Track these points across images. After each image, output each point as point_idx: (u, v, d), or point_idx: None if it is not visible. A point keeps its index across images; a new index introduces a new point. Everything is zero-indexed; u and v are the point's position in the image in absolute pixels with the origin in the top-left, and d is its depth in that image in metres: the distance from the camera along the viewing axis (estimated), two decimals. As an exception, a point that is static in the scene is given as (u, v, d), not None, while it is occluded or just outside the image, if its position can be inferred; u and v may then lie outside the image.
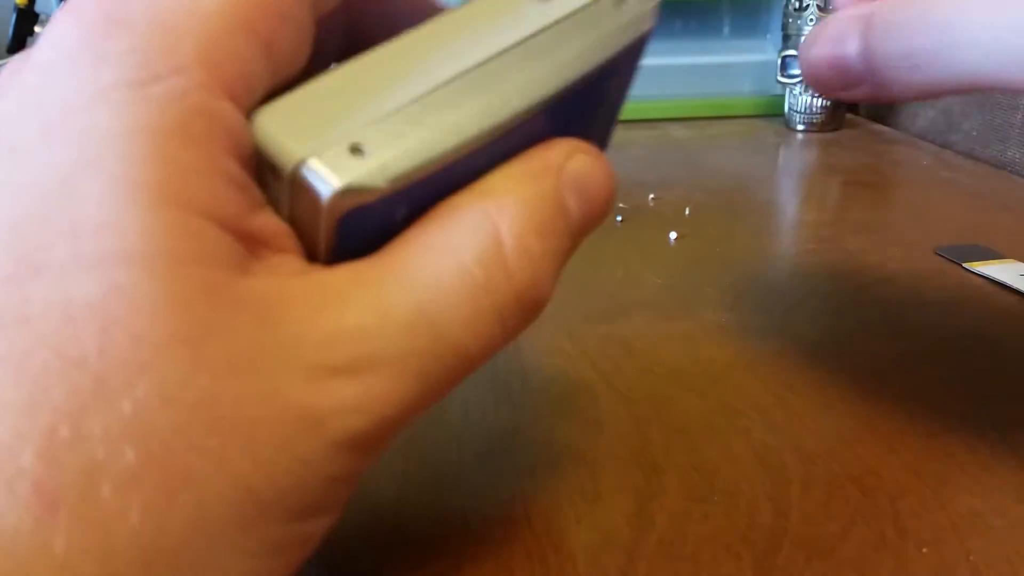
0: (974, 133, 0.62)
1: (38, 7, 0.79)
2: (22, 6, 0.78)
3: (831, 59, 0.20)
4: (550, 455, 0.23)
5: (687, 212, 0.45)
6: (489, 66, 0.15)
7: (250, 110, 0.13)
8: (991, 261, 0.37)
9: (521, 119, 0.15)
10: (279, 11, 0.14)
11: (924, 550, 0.19)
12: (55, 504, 0.11)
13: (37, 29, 0.80)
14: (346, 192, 0.13)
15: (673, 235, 0.41)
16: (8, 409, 0.11)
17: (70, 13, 0.13)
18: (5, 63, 0.13)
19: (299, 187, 0.13)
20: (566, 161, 0.16)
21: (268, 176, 0.14)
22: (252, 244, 0.13)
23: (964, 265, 0.36)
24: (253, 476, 0.12)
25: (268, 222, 0.13)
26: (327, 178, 0.13)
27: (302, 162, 0.13)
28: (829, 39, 0.20)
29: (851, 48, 0.19)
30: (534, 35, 0.15)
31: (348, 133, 0.13)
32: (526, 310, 0.15)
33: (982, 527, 0.20)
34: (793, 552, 0.19)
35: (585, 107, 0.17)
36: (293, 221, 0.14)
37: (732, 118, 0.71)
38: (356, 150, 0.13)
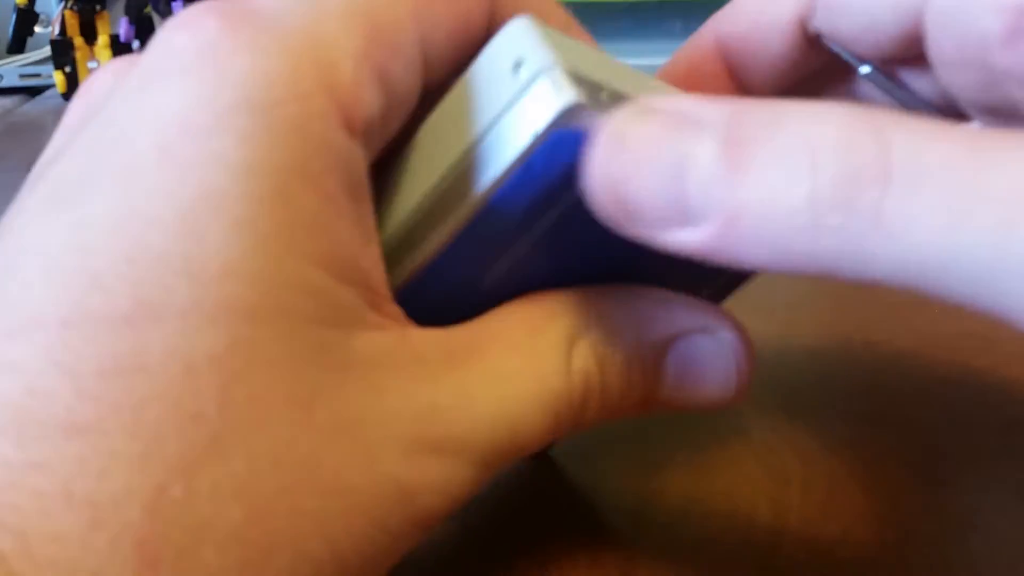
0: (974, 133, 0.61)
1: (38, 7, 0.79)
2: (22, 6, 0.78)
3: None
4: (549, 455, 0.23)
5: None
6: None
7: (364, 138, 0.13)
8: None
9: None
10: (395, 46, 0.13)
11: (924, 550, 0.19)
12: (157, 562, 0.10)
13: (37, 29, 0.80)
14: (578, 107, 0.12)
15: (673, 235, 0.41)
16: (120, 460, 0.11)
17: (186, 24, 0.13)
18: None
19: (536, 88, 0.13)
20: (674, 318, 0.16)
21: (474, 84, 0.13)
22: (363, 286, 0.13)
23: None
24: (345, 542, 0.12)
25: (376, 260, 0.13)
26: (569, 87, 0.12)
27: (556, 65, 0.13)
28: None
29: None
30: None
31: (600, 79, 0.13)
32: (578, 426, 0.15)
33: (982, 527, 0.20)
34: (793, 552, 0.19)
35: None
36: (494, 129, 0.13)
37: (732, 118, 0.71)
38: (597, 88, 0.13)
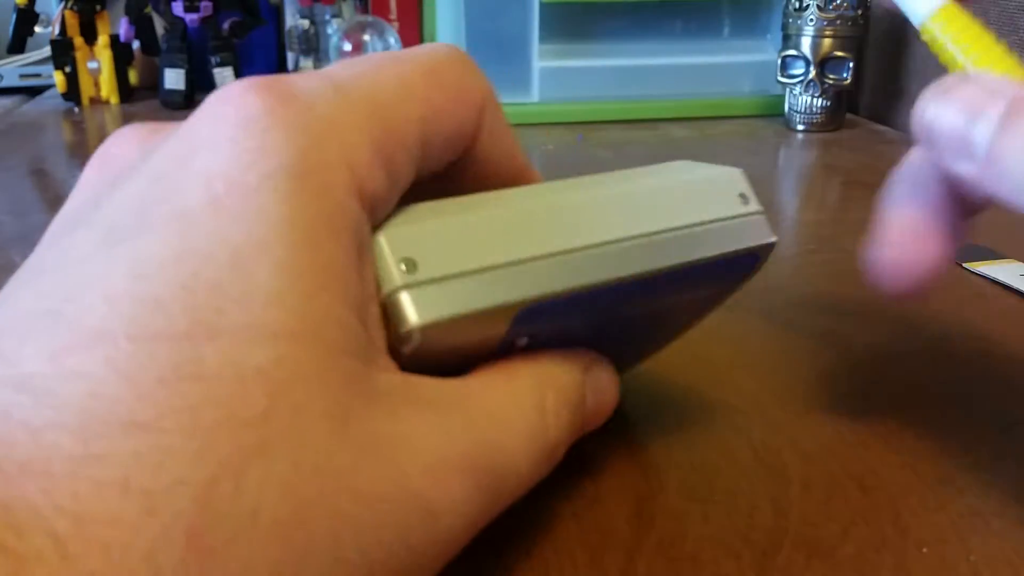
0: (974, 133, 0.62)
1: (38, 7, 0.79)
2: (22, 6, 0.78)
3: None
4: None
5: (687, 212, 0.45)
6: (603, 249, 0.17)
7: (371, 210, 0.15)
8: (991, 261, 0.37)
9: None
10: (401, 141, 0.16)
11: (924, 550, 0.19)
12: (205, 549, 0.11)
13: (37, 29, 0.80)
14: (422, 329, 0.15)
15: (673, 235, 0.41)
16: (175, 455, 0.12)
17: (231, 98, 0.14)
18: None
19: (390, 308, 0.15)
20: (590, 365, 0.19)
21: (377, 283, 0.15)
22: (368, 333, 0.15)
23: (964, 265, 0.36)
24: (375, 553, 0.13)
25: (377, 317, 0.15)
26: (408, 314, 0.15)
27: (395, 291, 0.15)
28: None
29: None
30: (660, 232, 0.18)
31: (441, 266, 0.15)
32: (549, 464, 0.18)
33: (982, 527, 0.20)
34: (793, 552, 0.19)
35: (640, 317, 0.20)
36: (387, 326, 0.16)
37: (732, 118, 0.71)
38: (436, 281, 0.15)
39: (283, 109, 0.14)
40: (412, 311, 0.15)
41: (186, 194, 0.13)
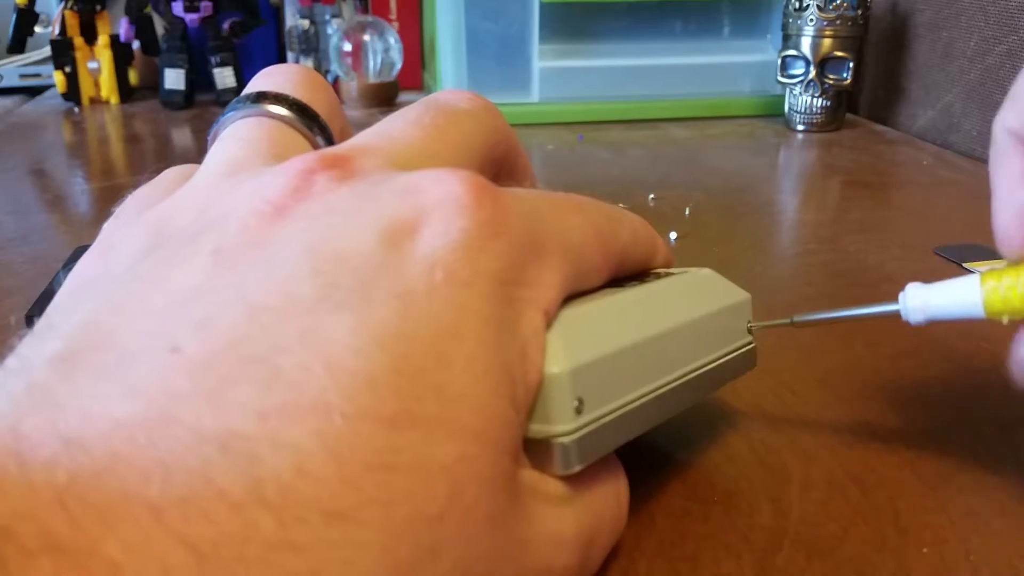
0: (974, 133, 0.62)
1: (38, 7, 0.79)
2: (22, 6, 0.78)
3: None
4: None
5: (687, 212, 0.45)
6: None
7: (546, 322, 0.17)
8: (990, 261, 0.37)
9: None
10: (575, 277, 0.18)
11: (924, 550, 0.19)
12: None
13: (37, 29, 0.80)
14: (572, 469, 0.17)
15: (673, 235, 0.41)
16: (366, 551, 0.12)
17: (468, 190, 0.16)
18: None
19: (556, 448, 0.16)
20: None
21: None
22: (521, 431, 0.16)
23: (963, 265, 0.36)
24: None
25: (527, 410, 0.16)
26: (572, 460, 0.16)
27: (564, 435, 0.16)
28: None
29: None
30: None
31: (600, 403, 0.17)
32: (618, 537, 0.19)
33: (982, 527, 0.20)
34: (793, 552, 0.19)
35: None
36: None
37: (732, 118, 0.71)
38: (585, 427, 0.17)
39: (507, 222, 0.16)
40: (575, 458, 0.16)
41: (410, 276, 0.14)
